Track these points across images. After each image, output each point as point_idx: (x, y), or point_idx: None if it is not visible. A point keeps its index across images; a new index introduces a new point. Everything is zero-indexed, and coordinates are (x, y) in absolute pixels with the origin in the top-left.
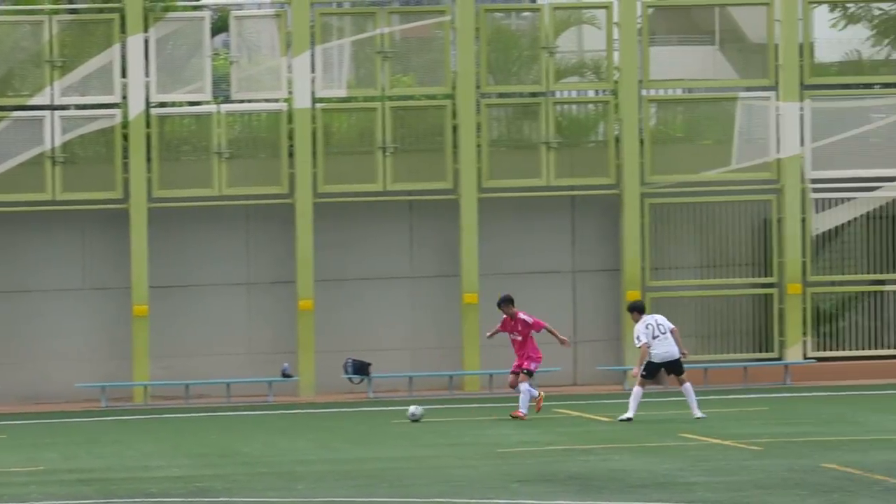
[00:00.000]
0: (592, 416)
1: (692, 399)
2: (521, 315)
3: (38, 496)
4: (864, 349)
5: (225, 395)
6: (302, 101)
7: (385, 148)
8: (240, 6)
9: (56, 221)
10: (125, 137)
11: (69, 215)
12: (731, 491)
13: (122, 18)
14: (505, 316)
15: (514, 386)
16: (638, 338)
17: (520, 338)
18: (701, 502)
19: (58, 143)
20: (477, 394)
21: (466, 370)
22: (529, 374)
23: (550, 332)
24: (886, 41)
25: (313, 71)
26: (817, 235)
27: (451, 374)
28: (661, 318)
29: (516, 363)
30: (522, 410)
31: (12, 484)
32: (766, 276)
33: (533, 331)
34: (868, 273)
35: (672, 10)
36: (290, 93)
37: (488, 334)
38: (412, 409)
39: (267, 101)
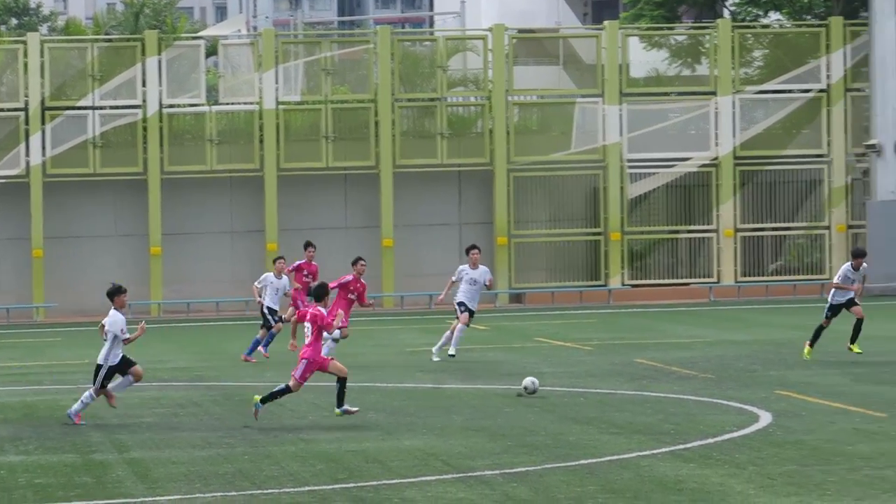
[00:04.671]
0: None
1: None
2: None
3: (84, 381)
4: (664, 278)
5: (215, 311)
6: (269, 104)
7: (327, 137)
8: (226, 37)
9: (94, 188)
10: (144, 129)
11: (105, 184)
12: (572, 378)
13: (143, 45)
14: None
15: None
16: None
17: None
18: (550, 386)
19: (97, 132)
20: (392, 310)
21: (384, 292)
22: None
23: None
24: (679, 62)
25: (277, 83)
26: (631, 199)
27: (374, 295)
28: None
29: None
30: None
31: (65, 373)
32: (595, 228)
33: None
34: (667, 225)
35: (530, 40)
36: (261, 98)
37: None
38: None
39: (244, 103)
